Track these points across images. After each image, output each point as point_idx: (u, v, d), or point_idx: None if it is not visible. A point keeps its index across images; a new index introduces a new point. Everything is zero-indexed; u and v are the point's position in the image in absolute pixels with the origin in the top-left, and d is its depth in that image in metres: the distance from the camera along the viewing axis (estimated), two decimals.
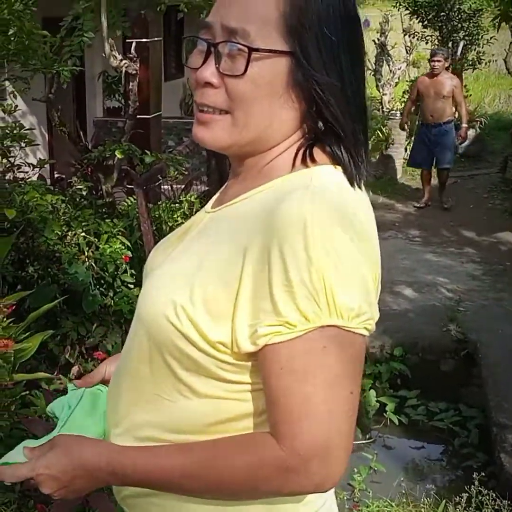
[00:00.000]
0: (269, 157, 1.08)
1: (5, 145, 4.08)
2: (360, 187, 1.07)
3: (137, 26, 6.11)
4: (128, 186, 5.72)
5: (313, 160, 1.05)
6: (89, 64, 7.47)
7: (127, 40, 5.84)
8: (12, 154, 4.19)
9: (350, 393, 0.97)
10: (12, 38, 4.53)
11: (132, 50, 5.01)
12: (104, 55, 5.09)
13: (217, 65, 1.03)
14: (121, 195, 5.61)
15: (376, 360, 4.86)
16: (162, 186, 6.25)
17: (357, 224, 1.00)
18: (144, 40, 6.12)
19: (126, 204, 5.34)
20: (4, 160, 4.16)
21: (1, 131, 4.13)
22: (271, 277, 0.95)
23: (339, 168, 1.06)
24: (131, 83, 5.17)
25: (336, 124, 1.04)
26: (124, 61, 5.05)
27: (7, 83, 4.89)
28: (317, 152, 1.06)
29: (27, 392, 3.21)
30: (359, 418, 4.18)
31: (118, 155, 5.13)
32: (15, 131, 4.12)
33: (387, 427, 4.59)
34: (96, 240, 4.58)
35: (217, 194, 1.19)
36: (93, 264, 4.39)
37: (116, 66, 5.14)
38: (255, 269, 0.96)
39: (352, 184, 1.05)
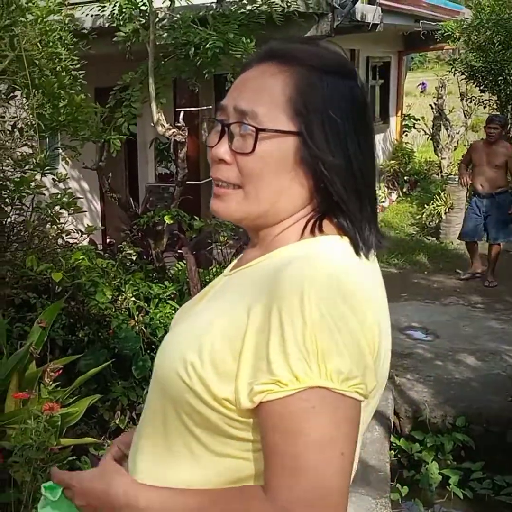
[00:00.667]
0: (280, 228, 1.17)
1: (53, 212, 4.24)
2: (367, 257, 1.14)
3: (186, 95, 6.35)
4: (178, 251, 5.85)
5: (321, 231, 1.13)
6: (141, 131, 7.76)
7: (177, 109, 6.05)
8: (62, 220, 4.34)
9: (341, 454, 1.00)
10: (62, 111, 4.77)
11: (180, 119, 5.19)
12: (152, 124, 5.28)
13: (229, 144, 1.13)
14: (171, 259, 5.73)
15: (438, 431, 4.70)
16: (213, 251, 6.35)
17: (357, 291, 1.05)
18: (193, 108, 6.34)
19: (176, 268, 5.45)
20: (54, 226, 4.31)
21: (50, 198, 4.30)
22: (269, 338, 1.01)
23: (345, 238, 1.14)
24: (180, 151, 5.34)
25: (340, 201, 1.13)
26: (172, 130, 5.23)
27: (60, 150, 5.12)
28: (326, 224, 1.14)
29: (75, 457, 3.24)
30: (421, 490, 4.04)
31: (167, 220, 5.28)
32: (64, 199, 4.29)
33: (450, 500, 4.37)
34: (146, 304, 4.68)
35: (236, 260, 1.29)
36: (143, 329, 4.47)
37: (163, 134, 5.32)
38: (257, 330, 1.03)
39: (357, 254, 1.12)
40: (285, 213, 1.15)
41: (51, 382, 3.27)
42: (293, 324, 0.99)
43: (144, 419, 1.22)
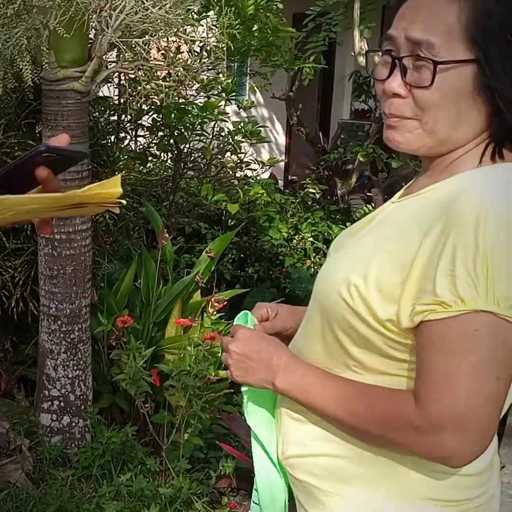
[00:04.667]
0: (456, 155, 1.24)
1: (235, 140, 4.42)
2: None
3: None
4: (367, 193, 5.90)
5: (501, 157, 1.20)
6: (340, 63, 7.80)
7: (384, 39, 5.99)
8: (242, 151, 4.52)
9: (497, 378, 1.10)
10: (256, 34, 4.92)
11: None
12: (353, 54, 5.30)
13: (403, 77, 1.20)
14: (358, 202, 5.79)
15: None
16: None
17: None
18: None
19: (362, 211, 5.51)
20: (234, 157, 4.52)
21: (233, 126, 4.49)
22: (439, 261, 1.10)
23: None
24: None
25: None
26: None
27: (247, 78, 5.31)
28: (505, 152, 1.20)
29: (232, 390, 3.48)
30: None
31: (361, 158, 5.33)
32: (246, 127, 4.45)
33: None
34: (325, 246, 4.81)
35: (404, 188, 1.39)
36: (319, 271, 4.61)
37: (365, 66, 5.32)
38: (429, 254, 1.12)
39: None
40: (463, 140, 1.22)
41: (214, 313, 3.53)
42: (465, 249, 1.08)
43: (301, 340, 1.39)
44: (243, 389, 1.41)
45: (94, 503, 2.74)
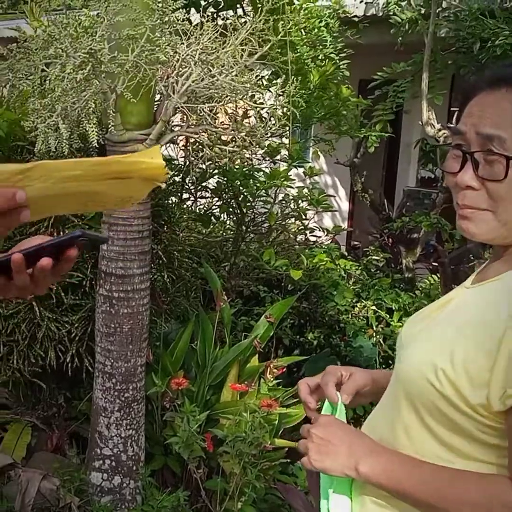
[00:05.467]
0: None
1: (300, 207, 4.51)
2: None
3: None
4: (433, 263, 5.86)
5: None
6: (406, 130, 7.84)
7: (452, 109, 6.05)
8: (306, 217, 4.59)
9: None
10: (325, 103, 5.02)
11: (454, 120, 5.17)
12: (420, 123, 5.35)
13: (475, 171, 1.27)
14: (423, 271, 5.76)
15: None
16: (474, 268, 6.25)
17: None
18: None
19: (427, 282, 5.48)
20: (298, 222, 4.58)
21: (297, 192, 4.57)
22: None
23: None
24: None
25: None
26: (442, 131, 5.25)
27: (310, 143, 5.40)
28: None
29: (288, 461, 3.45)
30: None
31: (425, 228, 5.33)
32: (312, 195, 4.52)
33: None
34: (388, 316, 4.78)
35: (475, 273, 1.44)
36: (381, 341, 4.59)
37: (432, 135, 5.36)
38: None
39: None
40: None
41: (272, 379, 3.53)
42: None
43: (381, 419, 1.42)
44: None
45: None
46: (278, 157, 4.73)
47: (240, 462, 3.04)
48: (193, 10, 4.15)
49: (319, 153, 5.41)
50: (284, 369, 3.57)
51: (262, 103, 4.29)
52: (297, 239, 4.71)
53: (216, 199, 4.61)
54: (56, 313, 3.37)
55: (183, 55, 2.94)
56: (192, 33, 2.99)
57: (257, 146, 4.59)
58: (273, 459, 3.31)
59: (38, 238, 0.98)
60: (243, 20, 3.58)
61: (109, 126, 3.05)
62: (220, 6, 4.42)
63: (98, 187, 0.95)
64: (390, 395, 1.40)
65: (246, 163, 4.56)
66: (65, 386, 3.71)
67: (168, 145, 4.03)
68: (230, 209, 4.52)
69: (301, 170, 4.91)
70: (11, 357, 3.36)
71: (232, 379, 3.54)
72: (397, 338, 4.39)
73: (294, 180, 4.59)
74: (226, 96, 3.34)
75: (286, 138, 5.04)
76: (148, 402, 3.41)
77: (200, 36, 3.02)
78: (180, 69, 2.96)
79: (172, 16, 2.92)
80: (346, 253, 5.48)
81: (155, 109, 3.18)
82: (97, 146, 3.14)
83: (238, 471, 3.05)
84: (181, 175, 4.32)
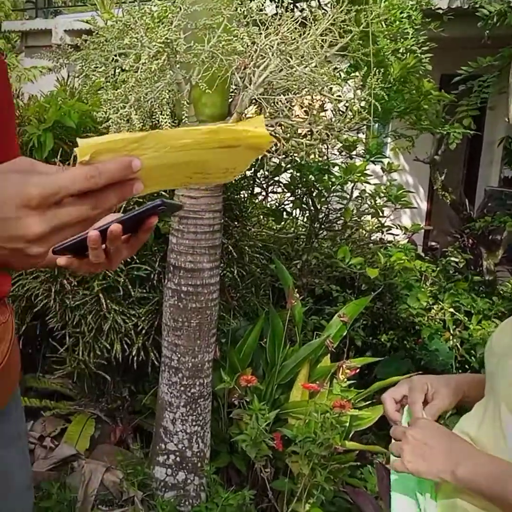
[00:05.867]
0: None
1: (377, 204, 4.42)
2: None
3: None
4: None
5: None
6: (490, 128, 7.67)
7: None
8: (383, 214, 4.51)
9: None
10: (406, 97, 4.94)
11: None
12: (507, 120, 5.22)
13: None
14: (505, 274, 5.62)
15: None
16: None
17: None
18: None
19: (510, 285, 5.34)
20: (374, 220, 4.51)
21: (374, 188, 4.49)
22: None
23: None
24: None
25: None
26: None
27: (389, 139, 5.32)
28: None
29: (358, 464, 3.39)
30: None
31: (509, 229, 5.19)
32: (391, 191, 4.44)
33: None
34: (466, 319, 4.67)
35: None
36: (458, 345, 4.48)
37: None
38: None
39: None
40: None
41: (345, 380, 3.47)
42: None
43: (479, 436, 1.37)
44: (393, 477, 1.42)
45: None
46: (354, 152, 4.67)
47: (309, 463, 3.00)
48: (268, 1, 4.13)
49: (397, 150, 5.32)
50: (357, 370, 3.50)
51: (339, 96, 4.24)
52: (372, 238, 4.63)
53: (289, 194, 4.58)
54: (123, 306, 3.39)
55: (261, 46, 2.91)
56: (270, 23, 2.96)
57: (335, 139, 4.55)
58: (343, 462, 3.25)
59: (110, 216, 0.97)
60: (322, 11, 3.54)
61: (182, 117, 3.04)
62: None
63: (206, 156, 0.96)
64: (484, 404, 1.38)
65: (321, 158, 4.52)
66: (130, 379, 3.74)
67: None
68: (303, 205, 4.48)
69: (378, 167, 4.83)
70: (77, 348, 3.40)
71: (302, 378, 3.50)
72: (476, 342, 4.27)
73: (371, 175, 4.51)
74: (304, 88, 3.30)
75: (363, 133, 4.98)
76: (214, 399, 3.40)
77: (279, 27, 2.99)
78: (258, 59, 2.93)
79: (250, 6, 2.91)
80: (422, 254, 5.36)
81: (230, 100, 3.16)
82: None
83: (306, 472, 3.01)
84: (253, 169, 4.30)
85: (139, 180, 0.86)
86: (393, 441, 1.40)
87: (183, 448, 3.20)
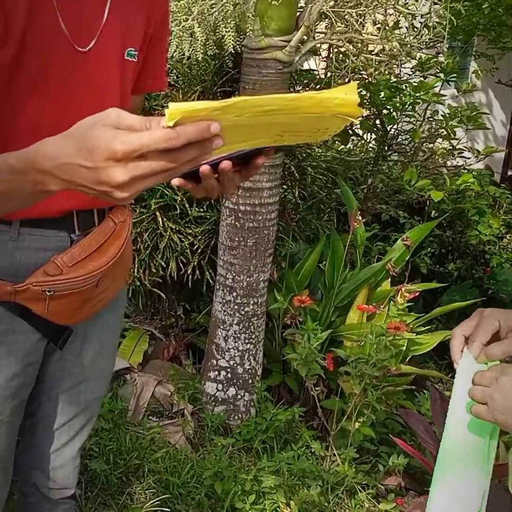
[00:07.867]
0: None
1: (450, 124, 4.44)
2: None
3: None
4: None
5: None
6: None
7: None
8: (456, 137, 4.53)
9: None
10: (486, 11, 4.90)
11: None
12: None
13: None
14: None
15: None
16: None
17: None
18: None
19: None
20: (446, 143, 4.55)
21: (449, 110, 4.51)
22: None
23: None
24: None
25: None
26: None
27: (470, 60, 5.29)
28: None
29: (413, 388, 3.54)
30: None
31: None
32: (465, 112, 4.45)
33: None
34: None
35: None
36: None
37: None
38: None
39: None
40: None
41: (404, 303, 3.57)
42: None
43: None
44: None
45: (252, 474, 2.91)
46: (430, 71, 4.66)
47: (361, 383, 3.14)
48: None
49: (479, 72, 5.28)
50: (417, 294, 3.56)
51: (414, 11, 4.20)
52: (445, 162, 4.67)
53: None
54: (180, 225, 3.53)
55: None
56: None
57: (408, 57, 4.55)
58: (397, 384, 3.39)
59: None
60: None
61: (247, 31, 3.10)
62: None
63: (293, 120, 1.02)
64: None
65: (393, 77, 4.55)
66: (184, 298, 3.92)
67: (308, 56, 4.07)
68: (372, 126, 4.53)
69: (454, 91, 4.83)
70: (132, 266, 3.53)
71: (360, 302, 3.62)
72: None
73: (445, 95, 4.51)
74: (377, 1, 3.33)
75: (442, 54, 4.97)
76: (269, 319, 3.57)
77: None
78: None
79: None
80: (498, 182, 5.36)
81: (297, 14, 3.19)
82: (233, 52, 3.24)
83: (358, 391, 3.16)
84: (320, 87, 4.37)
85: (219, 137, 0.97)
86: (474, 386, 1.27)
87: (235, 365, 3.40)
